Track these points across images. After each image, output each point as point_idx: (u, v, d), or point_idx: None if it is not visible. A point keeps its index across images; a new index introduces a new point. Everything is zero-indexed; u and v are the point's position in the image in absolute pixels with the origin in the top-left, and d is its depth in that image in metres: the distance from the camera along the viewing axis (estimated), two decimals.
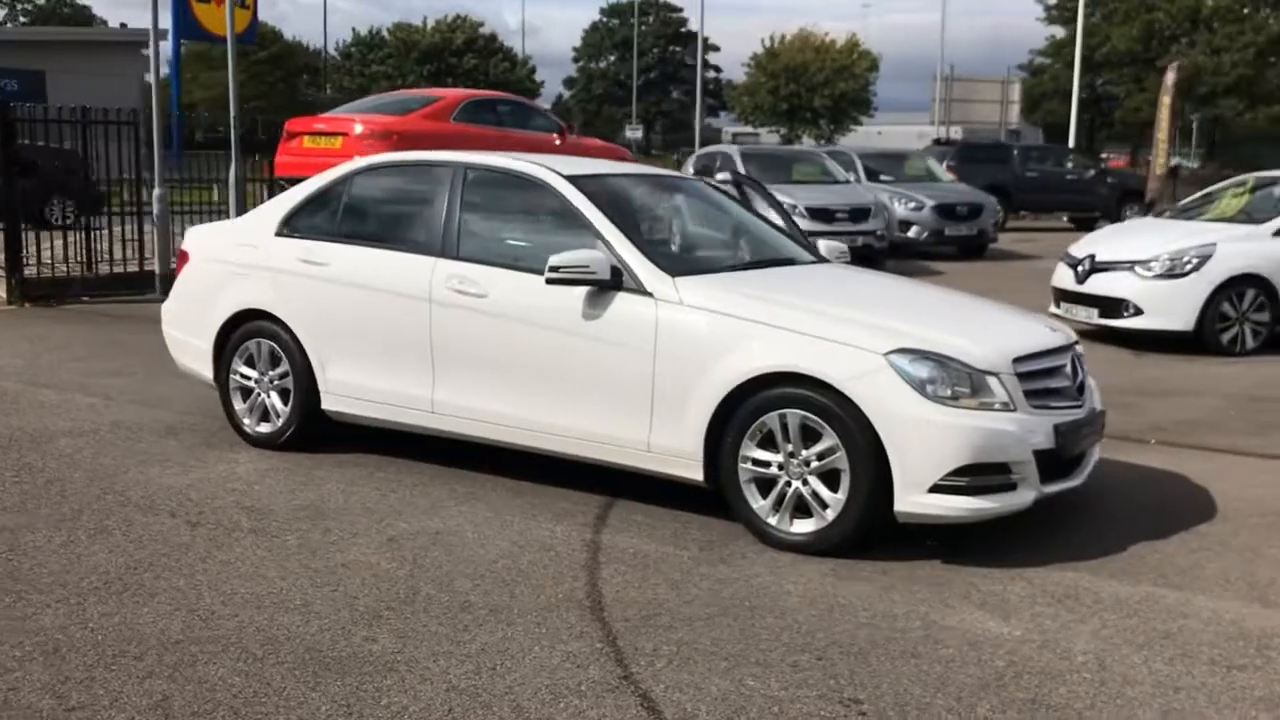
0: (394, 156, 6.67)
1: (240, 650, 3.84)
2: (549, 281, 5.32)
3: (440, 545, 4.93)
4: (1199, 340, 10.14)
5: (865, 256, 13.91)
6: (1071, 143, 31.80)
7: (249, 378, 6.49)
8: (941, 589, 4.51)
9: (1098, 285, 10.57)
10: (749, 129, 68.47)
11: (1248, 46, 51.86)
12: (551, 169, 5.86)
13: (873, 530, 4.81)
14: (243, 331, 6.49)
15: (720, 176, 16.96)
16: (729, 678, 3.70)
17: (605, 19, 73.89)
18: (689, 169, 18.83)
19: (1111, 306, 10.43)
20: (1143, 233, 11.27)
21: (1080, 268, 10.85)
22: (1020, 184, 24.66)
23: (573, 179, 5.77)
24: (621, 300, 5.30)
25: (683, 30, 73.33)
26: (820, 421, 4.80)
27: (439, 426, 5.88)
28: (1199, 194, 12.17)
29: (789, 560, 4.79)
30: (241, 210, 14.95)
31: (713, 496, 5.22)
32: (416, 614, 4.17)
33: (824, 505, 4.83)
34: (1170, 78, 24.27)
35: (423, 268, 5.85)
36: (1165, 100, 25.37)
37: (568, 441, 5.48)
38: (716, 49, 74.91)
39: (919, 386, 4.69)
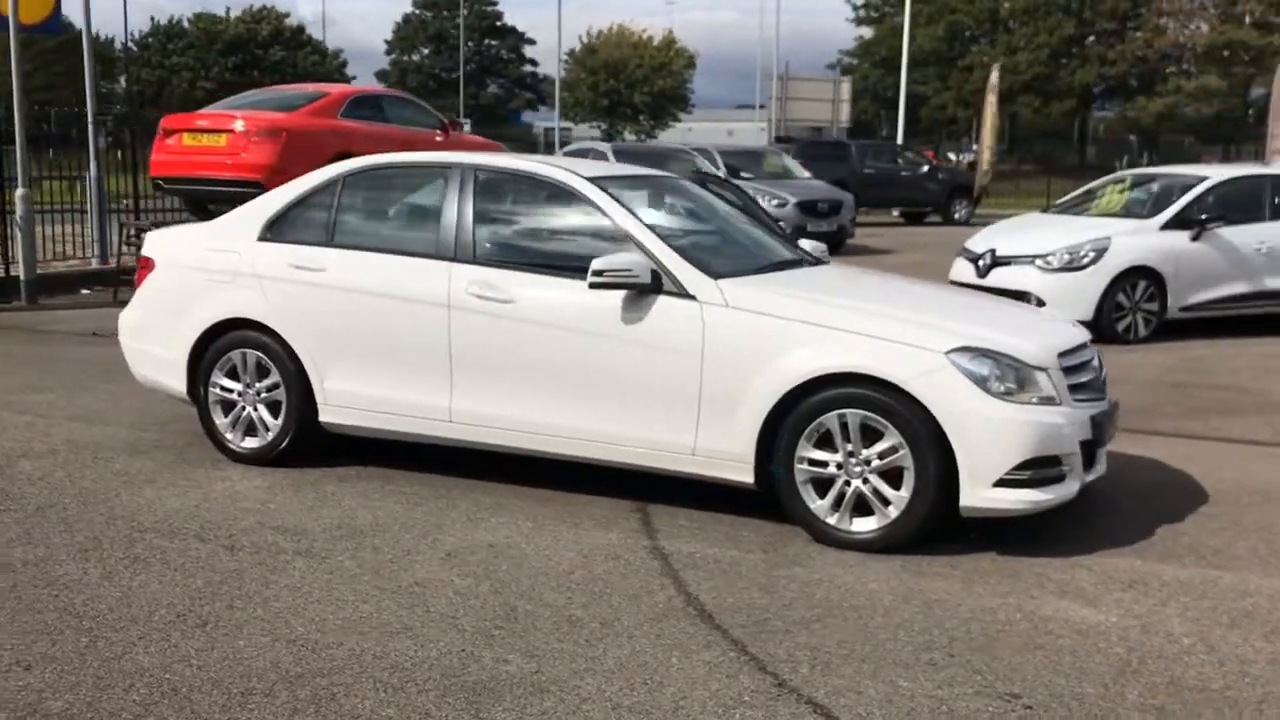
0: (387, 159, 6.43)
1: (372, 680, 3.66)
2: (592, 286, 5.24)
3: (503, 558, 4.80)
4: (1097, 330, 10.67)
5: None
6: (900, 140, 33.00)
7: (231, 390, 6.17)
8: (1015, 580, 4.64)
9: (1000, 279, 11.01)
10: (566, 124, 68.53)
11: (1042, 47, 54.83)
12: (572, 171, 5.77)
13: (933, 526, 4.92)
14: (224, 342, 6.16)
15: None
16: (879, 679, 3.73)
17: (418, 11, 72.61)
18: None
19: (1015, 299, 10.86)
20: (1037, 228, 11.81)
21: (981, 262, 11.29)
22: (860, 180, 25.42)
23: (595, 181, 5.69)
24: (663, 303, 5.26)
25: (499, 24, 72.75)
26: (882, 420, 4.87)
27: (456, 436, 5.72)
28: (1080, 190, 12.82)
29: (855, 559, 4.85)
30: (103, 210, 14.22)
31: (743, 495, 5.25)
32: (529, 631, 4.06)
33: (886, 503, 4.91)
34: (995, 78, 25.51)
35: (438, 273, 5.67)
36: (991, 99, 26.67)
37: (603, 447, 5.41)
38: (533, 43, 74.74)
39: (981, 383, 4.82)
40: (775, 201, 18.71)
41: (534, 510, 5.43)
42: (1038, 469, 4.85)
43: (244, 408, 6.15)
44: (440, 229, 5.79)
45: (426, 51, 73.99)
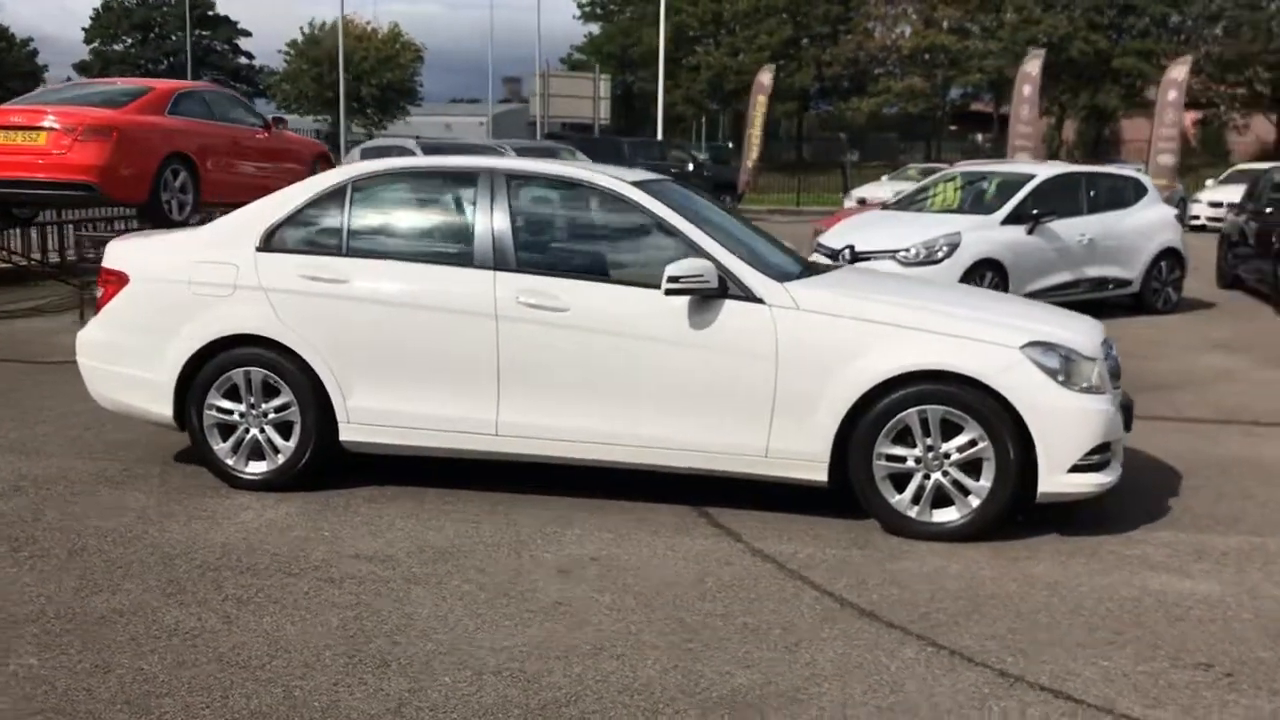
0: (403, 164, 6.12)
1: (622, 706, 3.57)
2: (668, 292, 5.23)
3: (617, 570, 4.74)
4: None
5: None
6: (659, 137, 33.74)
7: (231, 413, 5.76)
8: (1097, 559, 4.97)
9: None
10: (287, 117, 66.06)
11: (764, 49, 57.20)
12: (616, 177, 5.71)
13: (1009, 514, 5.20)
14: (222, 361, 5.74)
15: None
16: (1079, 660, 3.95)
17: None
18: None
19: None
20: (888, 224, 12.43)
21: (841, 257, 11.79)
22: None
23: (641, 186, 5.66)
24: (732, 308, 5.29)
25: (210, 14, 69.28)
26: (962, 415, 5.10)
27: (503, 449, 5.55)
28: (914, 188, 13.56)
29: (948, 549, 5.05)
30: None
31: (781, 491, 5.42)
32: (722, 642, 4.05)
33: (966, 493, 5.15)
34: (766, 79, 26.55)
35: (481, 282, 5.49)
36: (761, 99, 27.72)
37: (669, 453, 5.40)
38: (248, 34, 71.63)
39: (1053, 375, 5.13)
40: None
41: (600, 521, 5.36)
42: (1101, 454, 5.20)
43: (248, 430, 5.75)
44: (476, 236, 5.60)
45: (129, 42, 69.63)
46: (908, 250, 11.47)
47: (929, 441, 5.15)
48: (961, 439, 5.12)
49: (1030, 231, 11.79)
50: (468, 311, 5.49)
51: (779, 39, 57.35)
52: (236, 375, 5.73)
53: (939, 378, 5.12)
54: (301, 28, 64.71)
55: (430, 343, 5.55)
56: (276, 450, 5.74)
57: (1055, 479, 5.11)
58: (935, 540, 5.15)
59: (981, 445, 5.10)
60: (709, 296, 5.29)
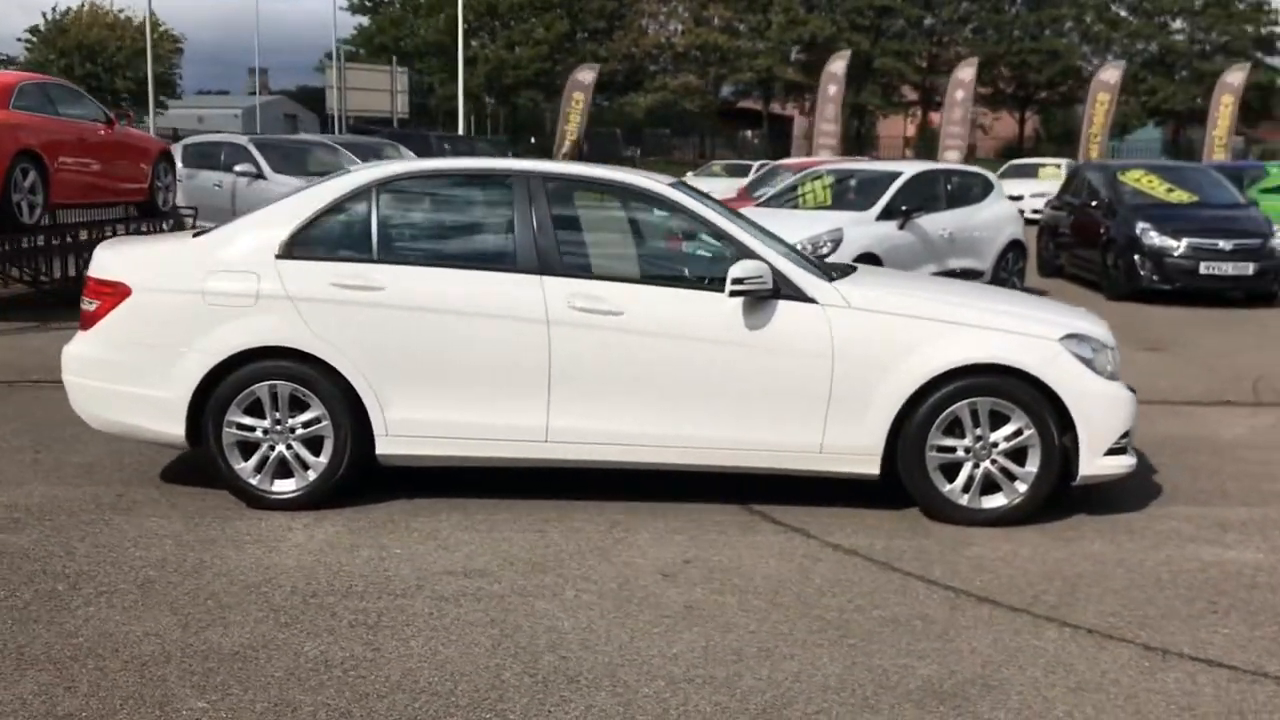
0: (429, 166, 5.89)
1: (841, 705, 3.63)
2: (733, 294, 5.29)
3: (715, 571, 4.78)
4: None
5: None
6: (460, 131, 33.34)
7: (253, 429, 5.46)
8: (1140, 536, 5.33)
9: None
10: None
11: (540, 43, 57.30)
12: (654, 179, 5.72)
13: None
14: (244, 375, 5.44)
15: (240, 168, 15.94)
16: (1203, 631, 4.24)
17: None
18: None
19: None
20: (770, 221, 12.64)
21: None
22: None
23: (680, 188, 5.68)
24: (786, 308, 5.40)
25: None
26: (1010, 405, 5.37)
27: (552, 455, 5.48)
28: (784, 185, 13.94)
29: (1002, 534, 5.31)
30: None
31: (812, 485, 5.60)
32: (874, 635, 4.15)
33: (1013, 480, 5.42)
34: (585, 76, 26.66)
35: (529, 287, 5.40)
36: (578, 96, 27.77)
37: (724, 454, 5.46)
38: None
39: (1089, 365, 5.46)
40: None
41: (664, 524, 5.36)
42: (1127, 438, 5.58)
43: (272, 447, 5.47)
44: (518, 240, 5.50)
45: None
46: (795, 246, 11.78)
47: (978, 432, 5.40)
48: (1009, 428, 5.39)
49: (901, 226, 12.34)
50: (517, 317, 5.39)
51: (555, 33, 57.54)
52: (260, 390, 5.44)
53: (989, 371, 5.37)
54: (44, 13, 60.40)
55: (476, 350, 5.42)
56: (306, 467, 5.48)
57: (1094, 463, 5.45)
58: (984, 526, 5.40)
59: (1028, 434, 5.38)
60: (763, 298, 5.38)
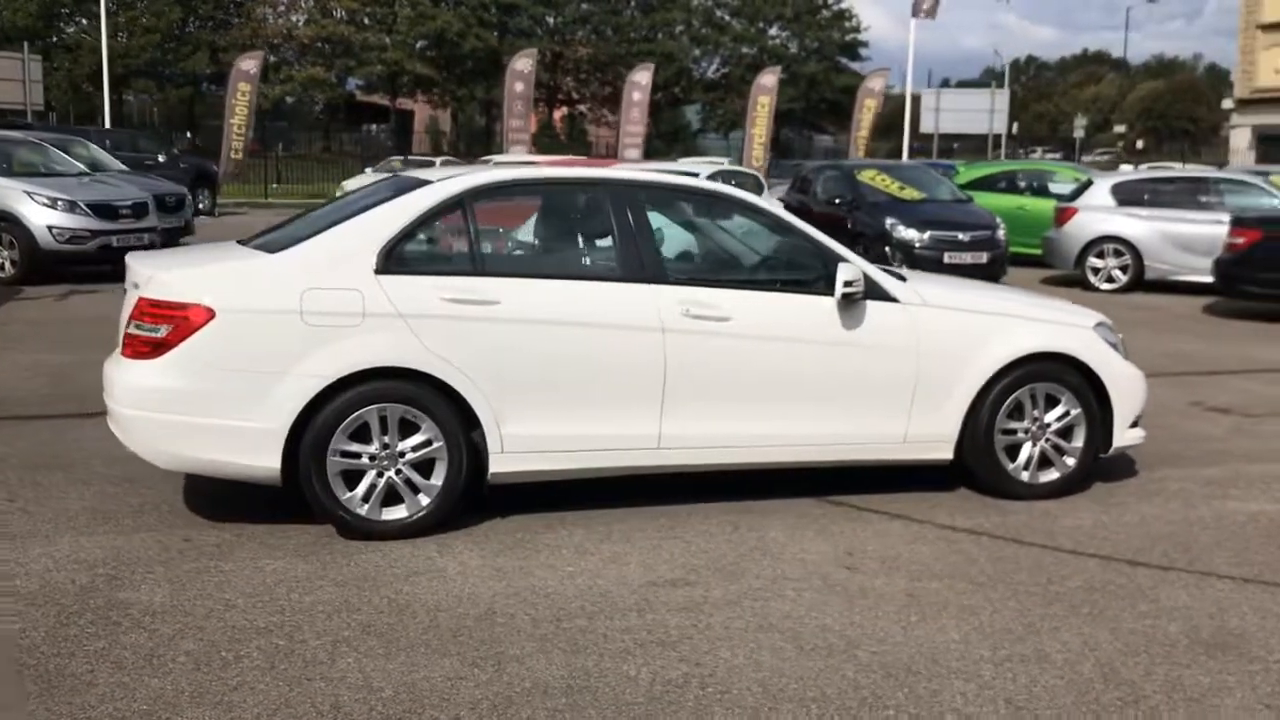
0: (515, 175, 5.63)
1: (1153, 657, 4.03)
2: (845, 298, 5.56)
3: (888, 560, 5.05)
4: None
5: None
6: (108, 125, 30.66)
7: (359, 456, 5.14)
8: (1174, 497, 6.07)
9: None
10: None
11: (152, 31, 53.51)
12: (729, 185, 5.86)
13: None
14: (351, 398, 5.10)
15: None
16: None
17: None
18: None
19: None
20: None
21: None
22: None
23: (766, 198, 5.86)
24: (875, 308, 5.73)
25: None
26: (1060, 388, 5.99)
27: (663, 462, 5.54)
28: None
29: (1064, 504, 5.92)
30: None
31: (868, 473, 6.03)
32: (1083, 607, 4.55)
33: (1062, 454, 6.04)
34: (249, 65, 25.21)
35: (641, 295, 5.42)
36: (244, 87, 26.16)
37: (822, 449, 5.73)
38: None
39: (1116, 348, 6.17)
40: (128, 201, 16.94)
41: (778, 520, 5.54)
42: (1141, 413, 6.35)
43: (380, 474, 5.17)
44: (620, 249, 5.49)
45: None
46: None
47: (1035, 414, 5.97)
48: (1059, 409, 6.00)
49: None
50: (632, 326, 5.39)
51: (166, 21, 53.91)
52: (369, 414, 5.12)
53: (1045, 358, 5.95)
54: None
55: (591, 361, 5.37)
56: (417, 491, 5.22)
57: (1124, 435, 6.17)
58: (1043, 499, 5.98)
59: (1074, 413, 6.01)
60: (860, 299, 5.68)
